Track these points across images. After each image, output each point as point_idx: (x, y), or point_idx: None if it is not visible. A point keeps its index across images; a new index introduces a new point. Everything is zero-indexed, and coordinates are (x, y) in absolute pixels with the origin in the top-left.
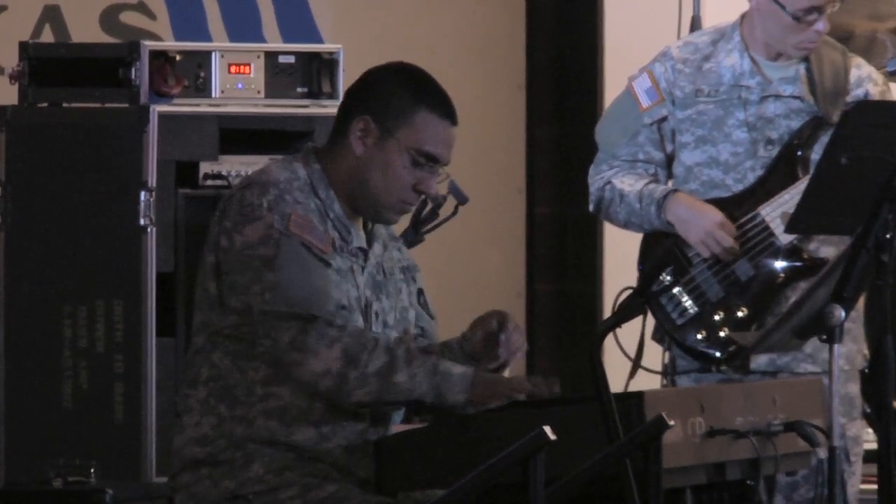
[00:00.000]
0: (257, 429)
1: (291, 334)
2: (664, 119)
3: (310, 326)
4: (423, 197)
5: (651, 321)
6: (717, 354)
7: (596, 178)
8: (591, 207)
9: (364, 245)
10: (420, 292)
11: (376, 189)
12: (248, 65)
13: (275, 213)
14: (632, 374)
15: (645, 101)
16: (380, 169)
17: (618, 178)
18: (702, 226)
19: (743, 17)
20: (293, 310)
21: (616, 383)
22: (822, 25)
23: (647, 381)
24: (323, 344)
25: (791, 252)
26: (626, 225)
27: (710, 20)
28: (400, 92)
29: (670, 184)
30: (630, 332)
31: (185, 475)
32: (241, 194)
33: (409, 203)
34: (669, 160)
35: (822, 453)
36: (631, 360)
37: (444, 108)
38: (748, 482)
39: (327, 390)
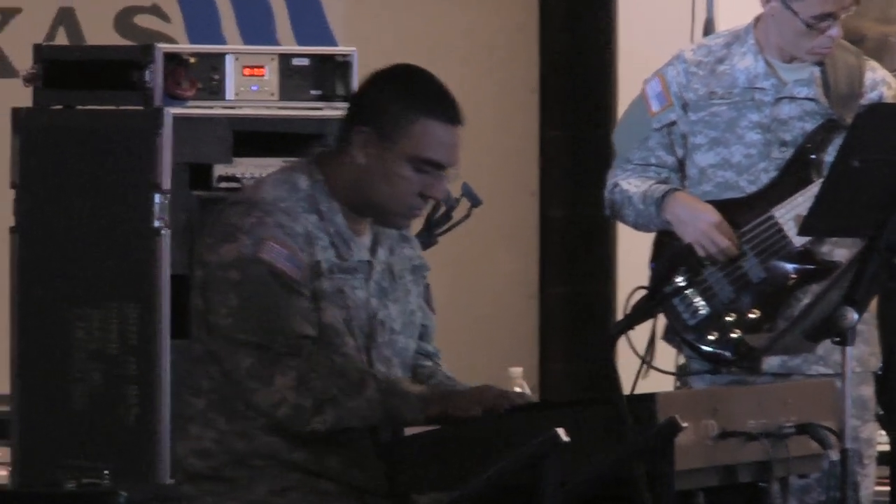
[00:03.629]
0: (258, 445)
1: (249, 362)
2: (673, 123)
3: (266, 355)
4: (432, 201)
5: (661, 321)
6: (729, 356)
7: (609, 182)
8: (605, 211)
9: (367, 257)
10: (426, 287)
11: (382, 198)
12: (262, 67)
13: (249, 237)
14: (643, 374)
15: (654, 106)
16: (383, 178)
17: (625, 180)
18: (697, 226)
19: (757, 19)
20: (251, 338)
21: (628, 384)
22: (835, 31)
23: (660, 383)
24: (277, 371)
25: (803, 255)
26: (635, 226)
27: (724, 23)
28: (398, 99)
29: (685, 186)
30: (642, 332)
31: (187, 486)
32: (227, 211)
33: (417, 209)
34: (681, 164)
35: (835, 455)
36: (643, 360)
37: (444, 111)
38: (760, 484)
39: (284, 419)
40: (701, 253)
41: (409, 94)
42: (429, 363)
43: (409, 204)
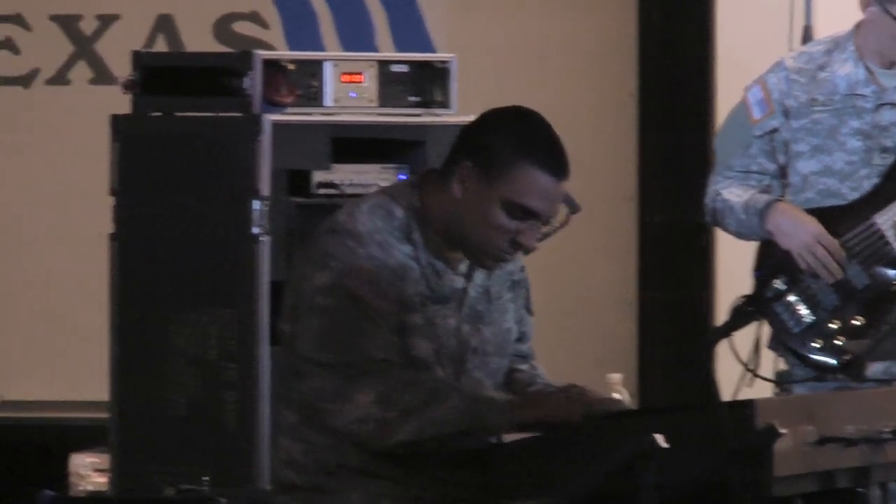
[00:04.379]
0: (349, 457)
1: (328, 384)
2: (775, 130)
3: (345, 376)
4: (521, 250)
5: (766, 329)
6: (834, 363)
7: (710, 190)
8: (707, 219)
9: (461, 285)
10: (525, 290)
11: (472, 236)
12: (361, 74)
13: (340, 263)
14: (748, 382)
15: (756, 113)
16: (478, 217)
17: (727, 189)
18: (799, 237)
19: (857, 26)
20: (330, 360)
21: (729, 392)
22: None
23: (761, 391)
24: (357, 390)
25: None
26: (738, 235)
27: (822, 29)
28: (506, 141)
29: (786, 193)
30: (745, 339)
31: (282, 496)
32: (322, 239)
33: (505, 254)
34: (783, 171)
35: None
36: (745, 367)
37: (551, 162)
38: (858, 490)
39: (367, 435)
40: (802, 265)
41: (519, 138)
42: (525, 366)
43: (498, 247)
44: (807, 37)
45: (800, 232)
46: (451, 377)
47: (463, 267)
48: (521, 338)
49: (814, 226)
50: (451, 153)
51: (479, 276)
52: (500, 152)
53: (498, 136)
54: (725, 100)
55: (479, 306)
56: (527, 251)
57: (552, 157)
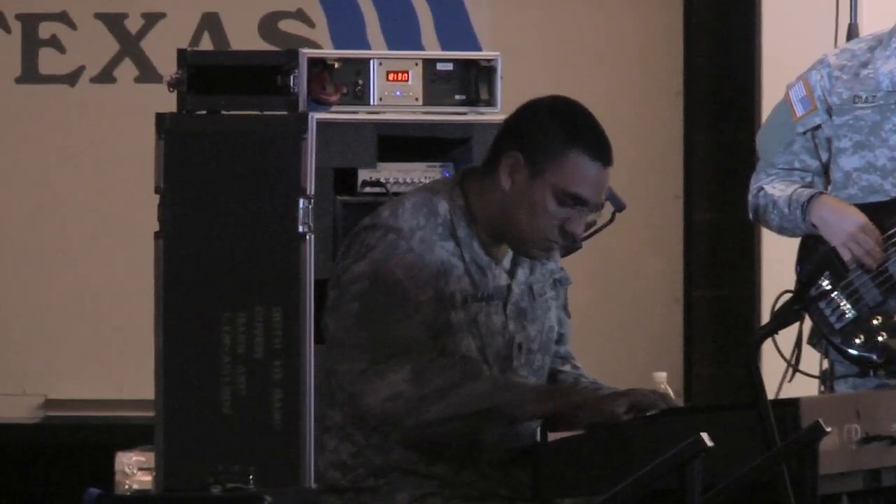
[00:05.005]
0: (396, 458)
1: (360, 365)
2: (818, 127)
3: (377, 357)
4: (569, 238)
5: (808, 326)
6: (876, 359)
7: (753, 187)
8: (749, 215)
9: (504, 282)
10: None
11: (521, 226)
12: (407, 72)
13: (381, 253)
14: (790, 378)
15: (799, 110)
16: (526, 207)
17: (770, 184)
18: (844, 228)
19: None
20: (364, 341)
21: (773, 387)
22: None
23: (804, 387)
24: (390, 368)
25: None
26: (780, 230)
27: (867, 27)
28: (553, 130)
29: (829, 189)
30: (788, 335)
31: (328, 496)
32: (364, 235)
33: (554, 242)
34: (825, 168)
35: None
36: (789, 363)
37: (597, 148)
38: None
39: (396, 411)
40: (846, 256)
41: (565, 127)
42: (568, 367)
43: (548, 237)
44: (852, 35)
45: (844, 223)
46: (497, 375)
47: (506, 263)
48: (560, 339)
49: (858, 216)
50: (496, 146)
51: (522, 273)
52: (548, 142)
53: (544, 126)
54: (771, 98)
55: (523, 303)
56: (574, 240)
57: (598, 144)
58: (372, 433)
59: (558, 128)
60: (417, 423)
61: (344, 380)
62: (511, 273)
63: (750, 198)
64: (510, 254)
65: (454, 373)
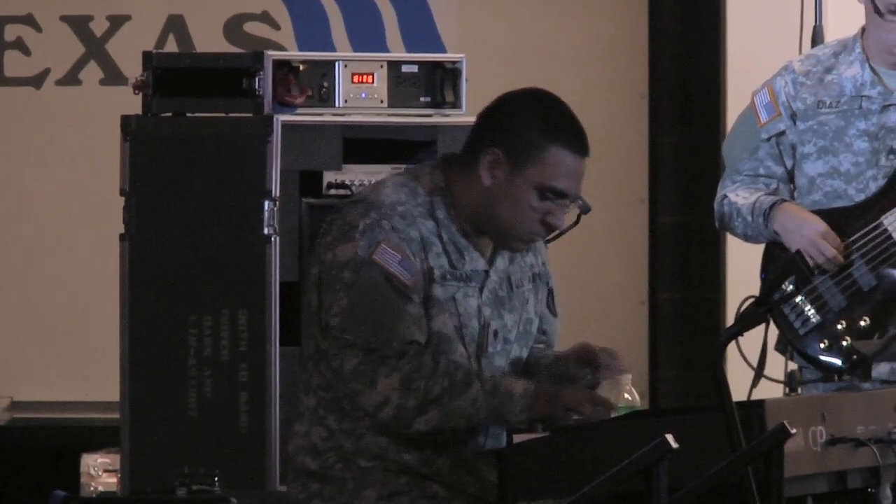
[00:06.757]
0: (367, 444)
1: (354, 363)
2: (782, 133)
3: (371, 357)
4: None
5: (773, 331)
6: (840, 364)
7: (718, 195)
8: (716, 223)
9: (482, 267)
10: (549, 292)
11: (504, 221)
12: (372, 74)
13: (364, 238)
14: (754, 383)
15: (763, 117)
16: (508, 202)
17: (734, 192)
18: (804, 235)
19: (864, 28)
20: (357, 339)
21: (738, 393)
22: None
23: (770, 391)
24: (381, 374)
25: None
26: (745, 238)
27: (832, 30)
28: (532, 125)
29: (794, 195)
30: (753, 341)
31: (296, 485)
32: (346, 210)
33: (536, 234)
34: (790, 174)
35: None
36: (753, 368)
37: (576, 141)
38: (869, 490)
39: (388, 420)
40: (810, 262)
41: (543, 122)
42: (541, 345)
43: (530, 230)
44: (817, 38)
45: (804, 229)
46: (472, 358)
47: (487, 250)
48: (544, 335)
49: (818, 223)
50: (473, 139)
51: (502, 262)
52: (528, 137)
53: (522, 122)
54: (736, 101)
55: (501, 292)
56: (555, 230)
57: (576, 136)
58: (344, 418)
59: (537, 123)
60: (409, 433)
61: (338, 374)
62: (490, 260)
63: (715, 206)
64: (490, 243)
65: (444, 381)
